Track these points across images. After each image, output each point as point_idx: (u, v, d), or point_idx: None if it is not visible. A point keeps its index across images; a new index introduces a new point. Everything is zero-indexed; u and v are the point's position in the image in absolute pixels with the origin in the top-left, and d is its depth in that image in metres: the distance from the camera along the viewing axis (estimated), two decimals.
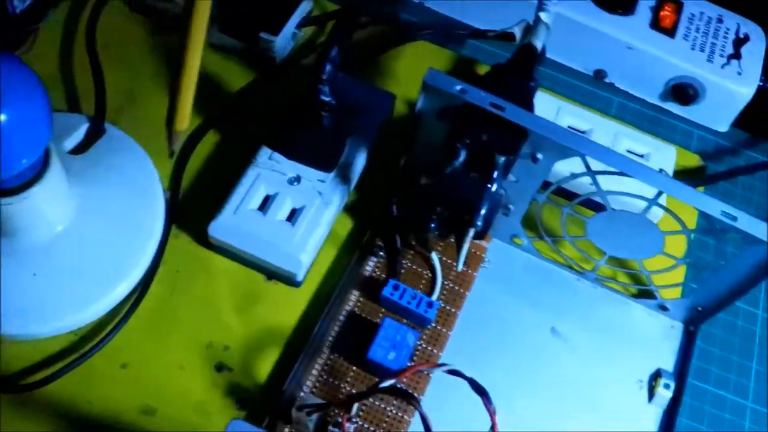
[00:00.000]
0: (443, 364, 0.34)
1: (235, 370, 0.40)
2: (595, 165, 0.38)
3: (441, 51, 0.54)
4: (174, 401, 0.39)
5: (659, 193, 0.37)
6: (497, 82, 0.42)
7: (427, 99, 0.40)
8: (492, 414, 0.32)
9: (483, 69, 0.54)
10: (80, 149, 0.44)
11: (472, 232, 0.38)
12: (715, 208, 0.36)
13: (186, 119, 0.37)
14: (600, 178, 0.39)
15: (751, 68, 0.53)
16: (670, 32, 0.53)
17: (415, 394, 0.39)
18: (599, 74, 0.56)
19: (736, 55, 0.53)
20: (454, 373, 0.33)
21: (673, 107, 0.55)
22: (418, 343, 0.42)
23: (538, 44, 0.44)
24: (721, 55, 0.53)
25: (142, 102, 0.48)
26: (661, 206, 0.38)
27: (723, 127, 0.55)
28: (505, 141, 0.38)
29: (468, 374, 0.32)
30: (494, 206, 0.39)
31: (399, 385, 0.33)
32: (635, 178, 0.37)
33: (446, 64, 0.54)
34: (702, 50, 0.53)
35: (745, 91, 0.53)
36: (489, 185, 0.37)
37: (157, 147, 0.45)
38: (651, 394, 0.43)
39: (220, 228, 0.42)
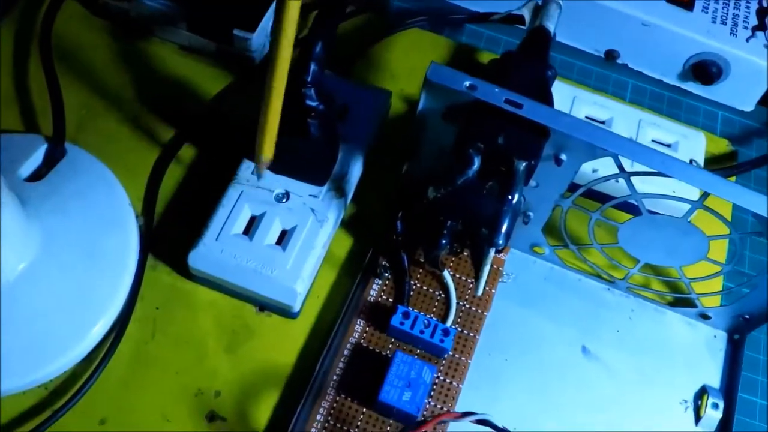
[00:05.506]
0: (470, 413, 0.29)
1: (228, 420, 0.36)
2: (626, 163, 0.33)
3: (437, 39, 0.50)
4: None
5: (705, 195, 0.32)
6: (508, 73, 0.37)
7: (430, 98, 0.35)
8: None
9: (486, 57, 0.49)
10: (38, 175, 0.40)
11: (492, 253, 0.33)
12: None
13: (272, 148, 0.36)
14: (634, 179, 0.34)
15: None
16: (688, 5, 0.49)
17: None
18: (611, 55, 0.51)
19: (761, 26, 0.49)
20: (485, 423, 0.28)
21: (694, 87, 0.51)
22: (435, 375, 0.37)
23: (551, 26, 0.39)
24: (745, 27, 0.49)
25: (105, 115, 0.44)
26: (707, 209, 0.33)
27: (749, 106, 0.51)
28: (524, 143, 0.33)
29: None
30: (514, 217, 0.34)
31: None
32: (677, 178, 0.32)
33: (444, 54, 0.49)
34: (724, 23, 0.49)
35: None
36: (510, 197, 0.32)
37: (126, 165, 0.41)
38: (697, 415, 0.38)
39: (200, 258, 0.37)
